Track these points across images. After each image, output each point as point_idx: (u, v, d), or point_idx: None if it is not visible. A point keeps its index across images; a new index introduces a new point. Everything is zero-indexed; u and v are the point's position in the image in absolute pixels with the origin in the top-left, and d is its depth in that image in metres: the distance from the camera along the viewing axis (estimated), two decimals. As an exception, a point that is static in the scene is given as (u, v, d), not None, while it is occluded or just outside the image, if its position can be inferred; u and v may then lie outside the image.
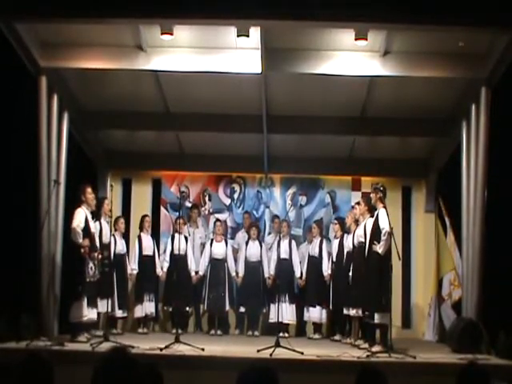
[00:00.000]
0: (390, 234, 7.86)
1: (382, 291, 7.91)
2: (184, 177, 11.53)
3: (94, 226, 8.70)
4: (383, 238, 7.98)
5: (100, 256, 8.60)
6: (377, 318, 7.96)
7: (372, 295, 8.05)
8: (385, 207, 8.15)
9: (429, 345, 9.54)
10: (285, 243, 10.36)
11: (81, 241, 8.36)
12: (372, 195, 8.50)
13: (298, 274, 10.36)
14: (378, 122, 10.19)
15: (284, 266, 10.16)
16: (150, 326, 10.48)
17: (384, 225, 8.00)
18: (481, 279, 8.59)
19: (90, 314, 8.36)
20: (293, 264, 10.37)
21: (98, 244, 8.77)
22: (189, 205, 11.27)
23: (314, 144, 10.77)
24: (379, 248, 8.00)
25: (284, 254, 10.26)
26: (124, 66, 8.91)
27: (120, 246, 10.00)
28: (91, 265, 8.42)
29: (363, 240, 8.56)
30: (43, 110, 8.79)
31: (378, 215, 8.20)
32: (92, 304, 8.41)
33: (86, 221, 8.51)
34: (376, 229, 8.15)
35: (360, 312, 8.54)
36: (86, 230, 8.47)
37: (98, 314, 9.07)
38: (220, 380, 6.51)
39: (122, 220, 10.26)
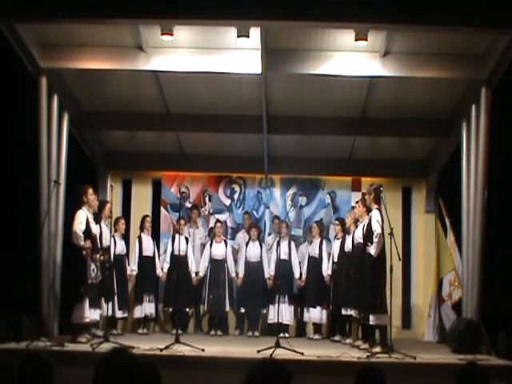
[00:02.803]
0: (389, 233, 7.86)
1: (376, 293, 7.91)
2: (184, 177, 11.52)
3: (95, 228, 8.70)
4: (375, 239, 7.99)
5: (102, 258, 8.60)
6: (372, 320, 7.98)
7: (366, 296, 8.05)
8: (378, 208, 8.15)
9: (429, 345, 9.53)
10: (284, 244, 10.36)
11: (82, 243, 8.36)
12: (366, 196, 8.52)
13: (297, 275, 10.35)
14: (378, 123, 10.19)
15: (283, 266, 10.15)
16: (150, 326, 10.48)
17: (376, 226, 8.00)
18: (481, 279, 8.59)
19: (92, 315, 8.37)
20: (292, 265, 10.37)
21: (99, 246, 8.78)
22: (189, 205, 11.27)
23: (314, 144, 10.76)
24: (372, 249, 8.01)
25: (283, 255, 10.25)
26: (124, 66, 8.92)
27: (120, 247, 10.00)
28: (93, 267, 8.43)
29: (361, 241, 8.57)
30: (43, 110, 8.79)
31: (371, 216, 8.21)
32: (94, 305, 8.42)
33: (88, 223, 8.51)
34: (369, 230, 8.16)
35: (357, 313, 8.55)
36: (88, 231, 8.47)
37: (100, 315, 9.08)
38: (220, 380, 6.52)
39: (122, 221, 10.26)
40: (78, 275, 8.42)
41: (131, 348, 6.64)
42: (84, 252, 8.36)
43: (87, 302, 8.28)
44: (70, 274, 8.87)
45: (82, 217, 8.49)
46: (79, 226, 8.41)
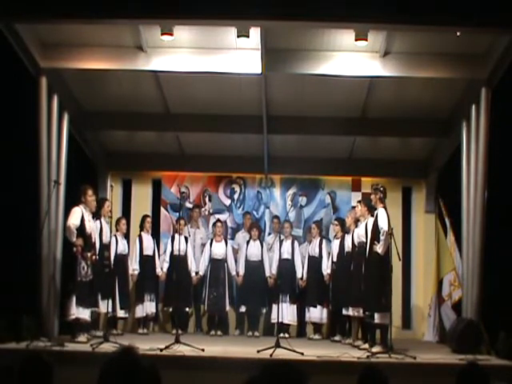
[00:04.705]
0: (389, 233, 7.87)
1: (382, 291, 7.92)
2: (184, 177, 11.52)
3: (90, 226, 8.64)
4: (382, 237, 8.00)
5: (94, 257, 8.55)
6: (377, 318, 7.98)
7: (372, 295, 8.06)
8: (384, 207, 8.16)
9: (429, 345, 9.52)
10: (287, 243, 10.36)
11: (74, 239, 8.36)
12: (372, 196, 8.52)
13: (299, 275, 10.35)
14: (378, 123, 10.19)
15: (286, 266, 10.15)
16: (149, 326, 10.47)
17: (383, 225, 8.01)
18: (481, 279, 8.59)
19: (78, 313, 8.27)
20: (295, 264, 10.37)
21: (97, 244, 8.77)
22: (189, 205, 11.26)
23: (314, 144, 10.76)
24: (379, 248, 8.02)
25: (286, 255, 10.25)
26: (124, 66, 8.92)
27: (122, 247, 10.01)
28: (83, 264, 8.37)
29: (364, 240, 8.57)
30: (43, 110, 8.79)
31: (377, 215, 8.22)
32: (82, 304, 8.30)
33: (82, 220, 8.49)
34: (376, 229, 8.17)
35: (360, 312, 8.55)
36: (81, 229, 8.45)
37: (98, 314, 9.08)
38: (220, 380, 6.52)
39: (123, 221, 10.27)
40: (67, 272, 8.46)
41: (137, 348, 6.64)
42: (75, 249, 8.36)
43: (74, 299, 8.24)
44: (63, 271, 8.91)
45: (78, 213, 8.49)
46: (73, 221, 8.41)
